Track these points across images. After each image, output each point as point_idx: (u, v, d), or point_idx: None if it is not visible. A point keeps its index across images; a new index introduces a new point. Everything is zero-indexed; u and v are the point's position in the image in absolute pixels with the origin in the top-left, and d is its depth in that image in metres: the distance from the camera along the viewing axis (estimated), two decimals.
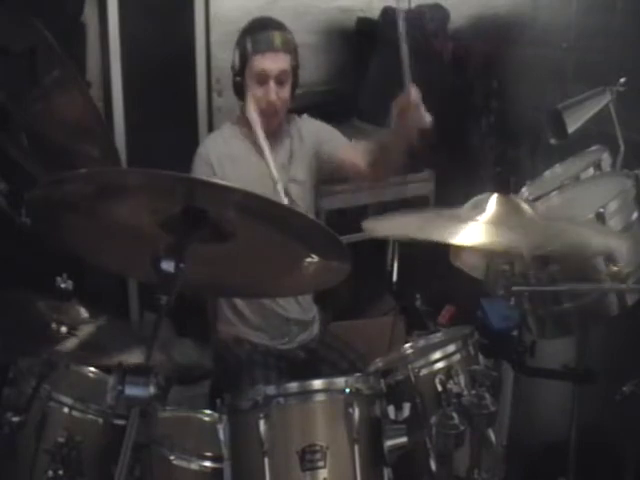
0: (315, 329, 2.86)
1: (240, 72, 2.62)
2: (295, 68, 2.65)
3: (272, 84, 2.59)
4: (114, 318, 2.21)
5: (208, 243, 1.67)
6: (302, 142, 2.77)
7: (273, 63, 2.58)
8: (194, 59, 3.64)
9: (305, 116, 2.87)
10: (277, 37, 2.59)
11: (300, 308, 2.79)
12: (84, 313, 2.12)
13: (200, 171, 2.61)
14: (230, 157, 2.65)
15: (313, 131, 2.81)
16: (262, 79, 2.59)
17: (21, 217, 2.15)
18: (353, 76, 4.04)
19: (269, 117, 2.63)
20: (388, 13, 3.99)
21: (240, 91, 2.66)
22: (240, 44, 2.62)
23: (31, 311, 2.08)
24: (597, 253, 2.03)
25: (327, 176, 2.84)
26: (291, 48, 2.63)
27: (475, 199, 1.92)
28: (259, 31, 2.61)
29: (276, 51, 2.58)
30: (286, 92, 2.64)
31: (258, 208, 1.62)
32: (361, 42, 4.05)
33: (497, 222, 1.85)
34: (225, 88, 3.64)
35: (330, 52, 4.06)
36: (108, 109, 3.49)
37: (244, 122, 2.68)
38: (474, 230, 1.82)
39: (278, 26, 2.65)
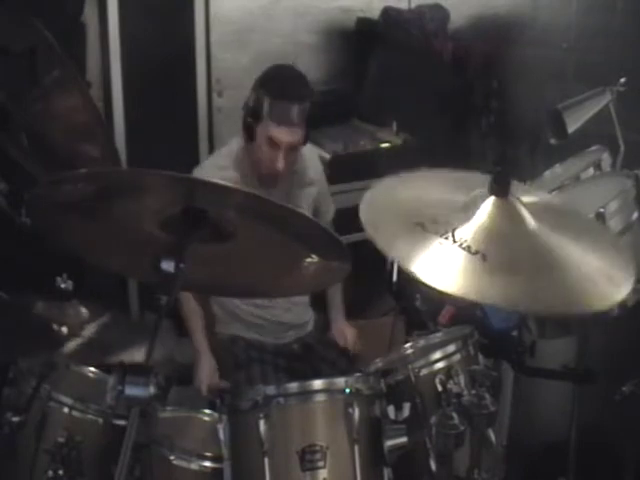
0: (310, 326, 2.86)
1: (253, 119, 2.54)
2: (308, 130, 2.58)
3: (282, 153, 2.52)
4: (116, 316, 2.21)
5: (208, 243, 1.67)
6: (305, 186, 2.76)
7: (287, 136, 2.51)
8: (194, 59, 3.63)
9: (315, 156, 2.87)
10: (296, 111, 2.49)
11: (294, 314, 2.79)
12: (84, 312, 2.12)
13: None
14: None
15: (318, 184, 2.81)
16: (273, 144, 2.52)
17: (21, 217, 2.15)
18: (353, 76, 4.05)
19: (272, 175, 2.59)
20: (388, 13, 4.00)
21: (249, 131, 2.57)
22: (258, 96, 2.52)
23: (31, 311, 2.08)
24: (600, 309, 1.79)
25: None
26: (307, 116, 2.53)
27: (470, 198, 1.80)
28: (279, 98, 2.50)
29: (292, 125, 2.50)
30: (295, 156, 2.60)
31: (258, 208, 1.62)
32: (361, 42, 4.05)
33: (492, 256, 1.64)
34: (225, 88, 3.64)
35: (330, 52, 4.06)
36: (108, 109, 3.48)
37: (246, 160, 2.64)
38: (467, 274, 1.63)
39: (300, 95, 2.53)
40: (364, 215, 1.81)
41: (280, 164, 2.53)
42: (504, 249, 1.69)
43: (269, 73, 2.58)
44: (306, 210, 2.72)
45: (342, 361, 2.71)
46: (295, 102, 2.51)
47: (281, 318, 2.75)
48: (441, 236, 1.69)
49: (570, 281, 1.69)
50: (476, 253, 1.65)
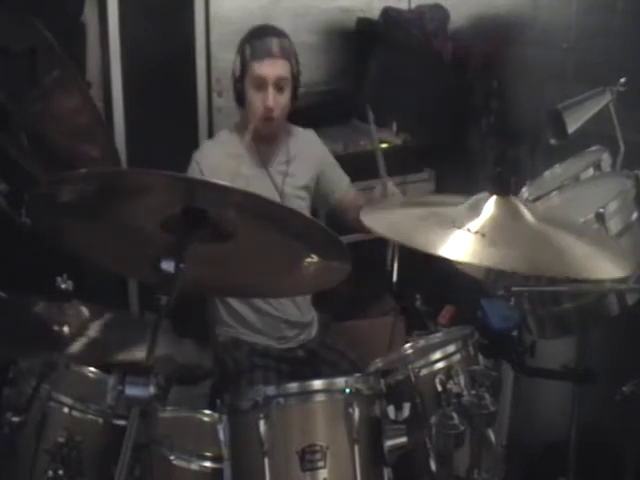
0: (314, 330, 2.86)
1: (240, 79, 2.64)
2: (295, 75, 2.65)
3: (270, 90, 2.58)
4: (116, 314, 2.21)
5: (208, 243, 1.67)
6: (303, 155, 2.77)
7: (271, 69, 2.58)
8: (194, 59, 3.64)
9: (311, 133, 2.89)
10: (275, 43, 2.59)
11: (298, 311, 2.79)
12: (85, 312, 2.12)
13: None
14: (224, 166, 2.61)
15: (318, 155, 2.84)
16: (260, 85, 2.59)
17: (21, 217, 2.15)
18: (353, 76, 4.05)
19: (266, 122, 2.63)
20: (388, 13, 4.00)
21: (241, 98, 2.67)
22: (240, 51, 2.64)
23: (31, 311, 2.07)
24: (601, 282, 2.00)
25: (318, 205, 2.90)
26: (290, 55, 2.63)
27: (473, 199, 1.88)
28: (257, 38, 2.62)
29: (274, 57, 2.58)
30: (284, 98, 2.63)
31: (258, 208, 1.63)
32: (361, 42, 4.05)
33: (493, 235, 1.77)
34: (225, 88, 3.64)
35: (330, 52, 4.06)
36: (108, 109, 3.48)
37: (242, 129, 2.68)
38: (468, 245, 1.76)
39: (277, 33, 2.65)
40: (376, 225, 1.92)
41: (270, 100, 2.58)
42: (503, 231, 1.80)
43: (246, 33, 2.68)
44: (306, 186, 2.76)
45: (343, 362, 2.70)
46: (272, 36, 2.62)
47: (285, 314, 2.75)
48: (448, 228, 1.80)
49: (569, 252, 1.83)
50: (476, 232, 1.77)
